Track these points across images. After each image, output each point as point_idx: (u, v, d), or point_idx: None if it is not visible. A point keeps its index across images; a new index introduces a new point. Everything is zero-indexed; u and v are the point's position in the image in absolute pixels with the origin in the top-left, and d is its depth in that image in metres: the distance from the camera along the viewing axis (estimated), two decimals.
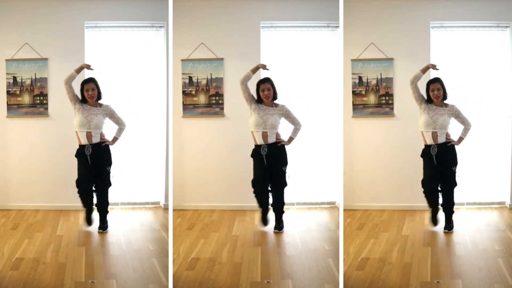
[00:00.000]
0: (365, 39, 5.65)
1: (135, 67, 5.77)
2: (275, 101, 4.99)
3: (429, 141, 4.89)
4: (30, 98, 5.66)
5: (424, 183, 4.96)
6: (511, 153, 5.73)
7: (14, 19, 5.63)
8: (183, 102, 5.75)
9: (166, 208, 5.65)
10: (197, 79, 5.73)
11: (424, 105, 4.89)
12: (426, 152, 4.92)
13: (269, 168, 4.97)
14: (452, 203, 4.98)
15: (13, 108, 5.66)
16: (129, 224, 5.23)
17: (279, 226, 5.01)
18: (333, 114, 5.72)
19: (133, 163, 5.80)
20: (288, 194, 5.74)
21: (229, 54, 5.71)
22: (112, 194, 5.69)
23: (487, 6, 5.64)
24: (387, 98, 5.68)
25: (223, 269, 4.07)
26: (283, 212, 5.05)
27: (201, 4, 5.69)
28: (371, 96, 5.69)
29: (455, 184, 4.96)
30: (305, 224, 5.24)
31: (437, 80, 4.90)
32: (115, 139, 5.03)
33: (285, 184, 5.05)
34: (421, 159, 4.93)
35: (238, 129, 5.66)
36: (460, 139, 4.95)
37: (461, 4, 5.66)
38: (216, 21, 5.70)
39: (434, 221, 5.02)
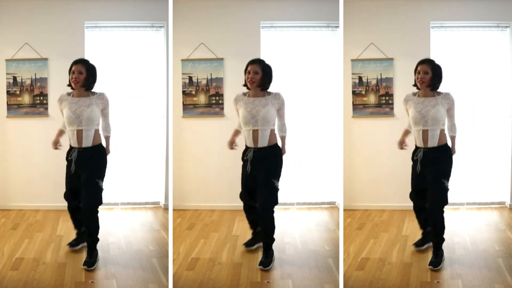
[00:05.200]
0: (365, 39, 5.65)
1: (135, 67, 5.77)
2: (268, 90, 4.05)
3: (419, 143, 3.96)
4: (30, 98, 5.66)
5: (411, 199, 4.20)
6: (511, 153, 5.73)
7: (14, 19, 5.63)
8: (183, 102, 5.75)
9: (166, 208, 5.65)
10: (197, 79, 5.73)
11: (409, 101, 3.95)
12: (412, 158, 4.05)
13: (253, 178, 4.01)
14: (440, 228, 3.96)
15: (13, 108, 5.66)
16: (129, 224, 5.23)
17: (265, 260, 4.00)
18: (333, 114, 5.71)
19: (133, 163, 5.80)
20: (288, 194, 5.75)
21: (229, 54, 5.71)
22: (112, 194, 5.73)
23: (487, 6, 5.64)
24: (387, 98, 5.68)
25: (223, 269, 4.07)
26: (271, 240, 4.06)
27: (201, 4, 5.69)
28: (371, 96, 5.69)
29: (444, 201, 3.89)
30: (305, 224, 5.23)
31: (426, 62, 3.89)
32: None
33: (273, 202, 3.95)
34: None
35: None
36: (452, 149, 4.03)
37: (461, 4, 5.66)
38: (216, 21, 5.70)
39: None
